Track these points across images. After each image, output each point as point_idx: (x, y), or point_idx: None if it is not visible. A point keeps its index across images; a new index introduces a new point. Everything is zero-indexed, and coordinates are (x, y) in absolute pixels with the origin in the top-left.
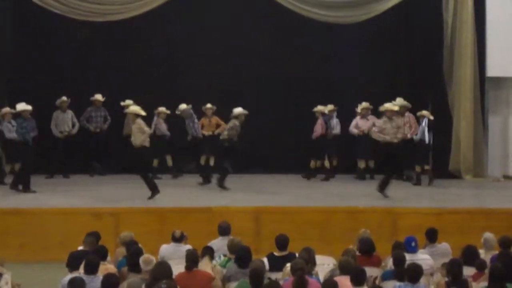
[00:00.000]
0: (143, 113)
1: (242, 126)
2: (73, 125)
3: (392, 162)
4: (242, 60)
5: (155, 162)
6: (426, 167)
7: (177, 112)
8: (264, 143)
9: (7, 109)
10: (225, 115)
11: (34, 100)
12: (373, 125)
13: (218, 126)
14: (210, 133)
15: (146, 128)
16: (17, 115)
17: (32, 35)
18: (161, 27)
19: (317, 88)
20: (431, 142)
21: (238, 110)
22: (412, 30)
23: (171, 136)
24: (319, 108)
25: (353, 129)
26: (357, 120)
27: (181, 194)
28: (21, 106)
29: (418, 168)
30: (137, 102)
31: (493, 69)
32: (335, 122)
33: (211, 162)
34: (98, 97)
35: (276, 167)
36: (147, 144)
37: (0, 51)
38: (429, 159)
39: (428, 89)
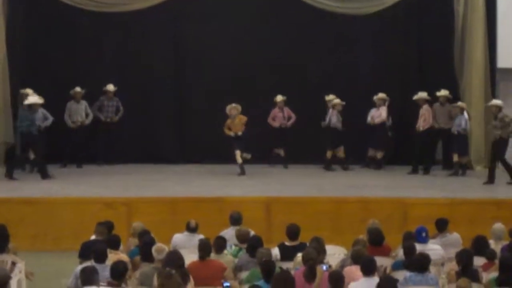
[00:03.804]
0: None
1: None
2: (87, 115)
3: None
4: (253, 52)
5: (329, 154)
6: (458, 157)
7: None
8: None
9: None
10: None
11: (48, 90)
12: (380, 115)
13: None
14: (232, 134)
15: None
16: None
17: (46, 26)
18: (171, 19)
19: (326, 79)
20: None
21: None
22: (423, 21)
23: (342, 129)
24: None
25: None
26: (373, 112)
27: (193, 183)
28: (33, 99)
29: (456, 158)
30: (146, 94)
31: (503, 60)
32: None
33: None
34: (110, 87)
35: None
36: None
37: (13, 42)
38: (468, 150)
39: (438, 79)
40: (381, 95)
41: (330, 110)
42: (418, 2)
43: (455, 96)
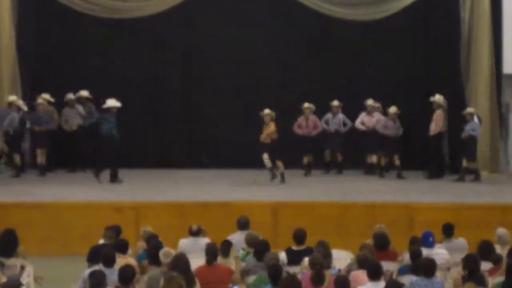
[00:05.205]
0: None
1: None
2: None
3: None
4: (261, 57)
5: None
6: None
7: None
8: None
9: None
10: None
11: (57, 95)
12: (378, 121)
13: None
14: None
15: None
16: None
17: (55, 32)
18: (179, 24)
19: (331, 85)
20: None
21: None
22: (429, 27)
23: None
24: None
25: (359, 125)
26: (362, 117)
27: (200, 188)
28: (111, 103)
29: (465, 163)
30: (154, 99)
31: (509, 67)
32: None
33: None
34: (84, 93)
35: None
36: None
37: (23, 48)
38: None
39: (445, 86)
40: (371, 101)
41: (340, 115)
42: (424, 9)
43: (462, 102)
